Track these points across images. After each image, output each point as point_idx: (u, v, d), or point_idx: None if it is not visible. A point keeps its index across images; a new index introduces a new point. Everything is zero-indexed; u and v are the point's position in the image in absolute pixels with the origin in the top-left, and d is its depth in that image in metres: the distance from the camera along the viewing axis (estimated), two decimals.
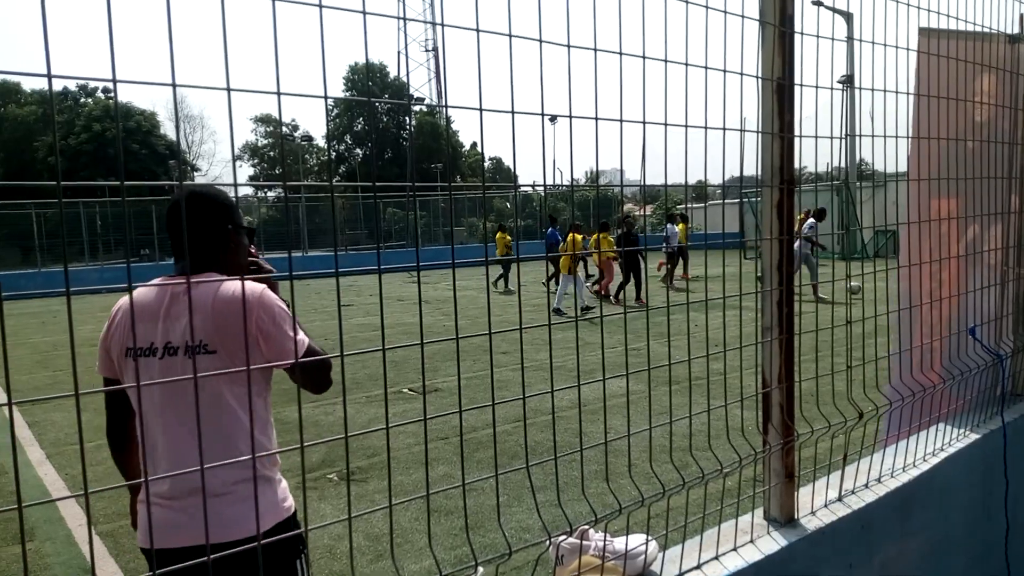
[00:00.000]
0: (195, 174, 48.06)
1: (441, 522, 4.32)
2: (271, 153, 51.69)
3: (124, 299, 1.84)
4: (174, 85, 0.98)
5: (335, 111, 50.05)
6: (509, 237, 18.98)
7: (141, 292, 1.89)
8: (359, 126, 51.47)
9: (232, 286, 1.81)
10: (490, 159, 58.03)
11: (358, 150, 52.22)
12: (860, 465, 2.06)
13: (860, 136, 2.11)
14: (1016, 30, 2.80)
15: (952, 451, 2.25)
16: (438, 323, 12.37)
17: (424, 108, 50.56)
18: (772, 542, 1.71)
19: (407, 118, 51.33)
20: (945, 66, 2.46)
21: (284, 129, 51.70)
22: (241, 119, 49.59)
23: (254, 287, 1.85)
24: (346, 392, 1.12)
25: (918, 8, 2.17)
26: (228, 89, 1.03)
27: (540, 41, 1.32)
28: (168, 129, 42.40)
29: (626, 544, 1.51)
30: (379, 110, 50.61)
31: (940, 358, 2.43)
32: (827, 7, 2.01)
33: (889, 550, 2.01)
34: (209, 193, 1.99)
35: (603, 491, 4.25)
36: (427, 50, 60.47)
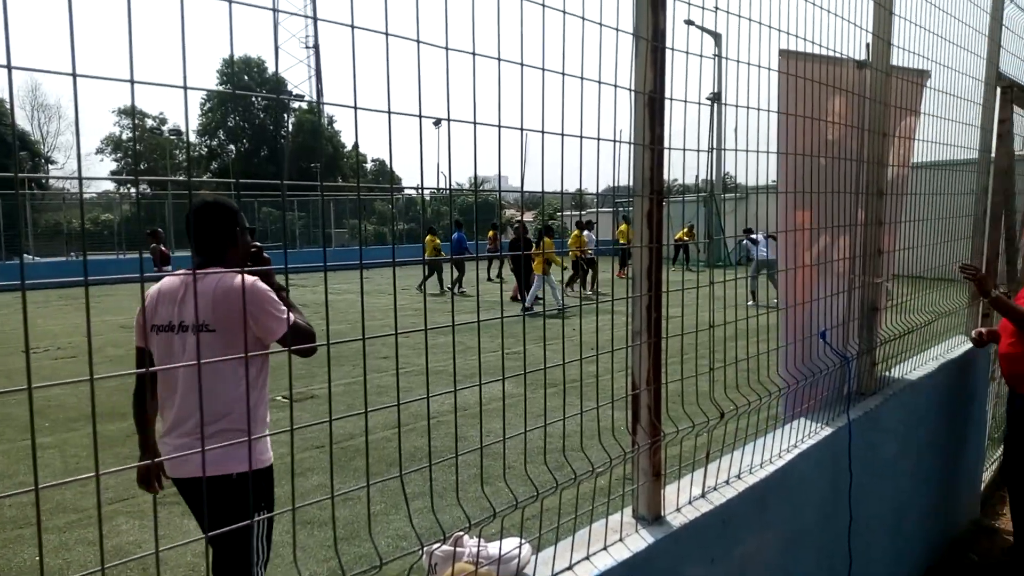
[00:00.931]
0: (50, 167, 44.42)
1: (315, 534, 4.20)
2: (139, 147, 48.63)
3: (155, 286, 2.52)
4: (9, 68, 0.89)
5: (207, 105, 47.69)
6: (439, 240, 18.79)
7: (167, 281, 2.50)
8: (233, 121, 49.29)
9: (230, 278, 2.33)
10: (373, 161, 57.02)
11: (232, 146, 49.96)
12: (722, 462, 2.17)
13: (724, 150, 2.22)
14: (863, 56, 3.03)
15: (805, 447, 2.40)
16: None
17: (303, 106, 49.04)
18: (640, 540, 1.76)
19: (285, 115, 49.66)
20: (803, 87, 2.63)
21: (150, 122, 48.73)
22: (103, 111, 46.37)
23: (247, 279, 2.36)
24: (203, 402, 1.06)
25: (779, 31, 2.30)
26: (74, 75, 0.95)
27: (417, 42, 1.30)
28: (20, 118, 38.95)
29: (500, 549, 1.51)
30: (256, 106, 48.68)
31: (794, 360, 2.60)
32: (697, 26, 2.11)
33: (748, 544, 2.13)
34: (220, 202, 2.55)
35: (481, 495, 4.26)
36: (307, 47, 58.76)
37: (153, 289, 2.52)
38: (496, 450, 5.09)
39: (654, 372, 1.86)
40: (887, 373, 3.26)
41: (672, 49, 1.86)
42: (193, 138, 48.42)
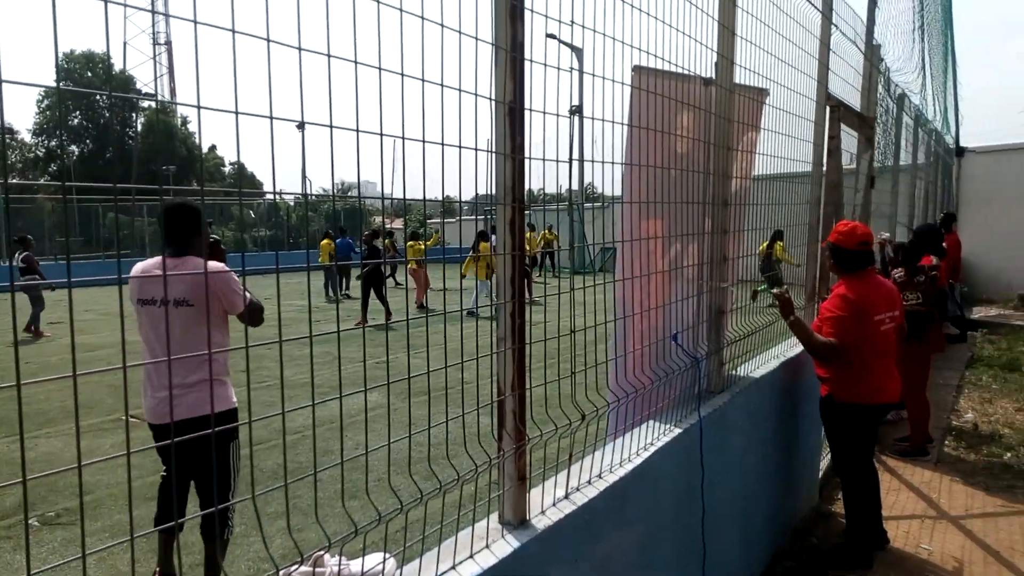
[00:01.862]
0: None
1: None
2: None
3: (136, 267, 3.37)
4: None
5: (44, 102, 43.80)
6: (334, 245, 18.13)
7: (148, 262, 3.38)
8: (75, 120, 45.52)
9: (201, 265, 3.11)
10: (231, 164, 54.33)
11: (74, 147, 46.08)
12: (584, 463, 2.22)
13: (582, 161, 2.29)
14: (710, 75, 3.21)
15: (660, 445, 2.51)
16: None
17: (154, 105, 45.99)
18: (506, 545, 1.78)
19: (134, 114, 46.47)
20: (654, 101, 2.76)
21: None
22: None
23: (217, 266, 3.26)
24: (52, 423, 0.96)
25: (633, 47, 2.40)
26: None
27: (268, 40, 1.26)
28: None
29: (362, 566, 1.47)
30: (100, 104, 45.22)
31: (649, 362, 2.71)
32: (559, 40, 2.17)
33: (610, 541, 2.19)
34: (186, 204, 3.39)
35: (351, 509, 4.14)
36: (158, 43, 55.37)
37: (136, 269, 3.37)
38: (362, 463, 4.97)
39: (519, 377, 1.89)
40: (733, 372, 3.47)
41: (531, 60, 1.89)
42: (28, 138, 44.38)
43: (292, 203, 39.36)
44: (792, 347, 4.23)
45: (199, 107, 1.16)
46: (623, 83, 2.45)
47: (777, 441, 3.86)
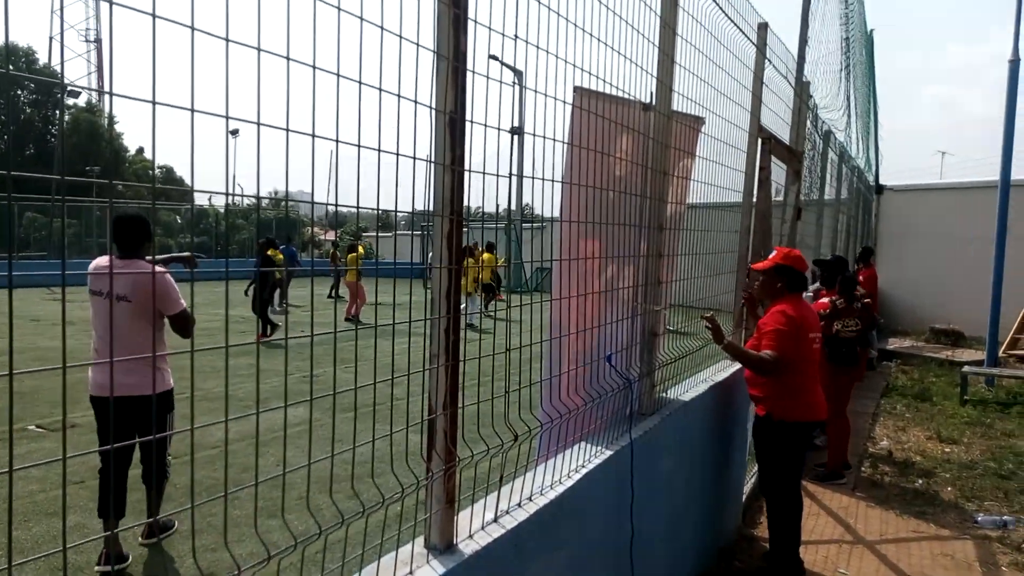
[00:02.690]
0: None
1: None
2: None
3: (92, 264, 3.89)
4: None
5: None
6: (279, 254, 17.35)
7: (101, 259, 4.01)
8: None
9: (145, 268, 3.70)
10: (160, 168, 52.43)
11: None
12: (514, 485, 2.17)
13: (521, 177, 2.27)
14: (649, 100, 3.25)
15: (591, 467, 2.48)
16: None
17: (79, 103, 44.11)
18: (431, 571, 1.71)
19: (56, 111, 44.44)
20: (594, 123, 2.76)
21: None
22: None
23: (159, 270, 3.78)
24: None
25: (574, 67, 2.39)
26: None
27: (192, 29, 1.18)
28: None
29: None
30: (21, 100, 43.15)
31: (583, 383, 2.69)
32: (501, 62, 2.15)
33: (539, 566, 2.14)
34: (136, 215, 3.93)
35: (269, 528, 3.97)
36: (88, 40, 53.35)
37: (91, 265, 3.87)
38: (286, 481, 4.78)
39: (451, 395, 1.83)
40: (664, 395, 3.49)
41: (474, 72, 1.86)
42: None
43: (221, 209, 38.23)
44: (720, 371, 4.29)
45: (111, 94, 1.08)
46: (565, 101, 2.44)
47: (705, 464, 3.89)
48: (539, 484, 2.26)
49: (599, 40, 2.57)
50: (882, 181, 16.33)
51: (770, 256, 4.05)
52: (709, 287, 4.18)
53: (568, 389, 2.62)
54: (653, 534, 3.10)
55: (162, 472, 3.98)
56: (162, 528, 4.33)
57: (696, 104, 3.65)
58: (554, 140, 2.39)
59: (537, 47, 2.11)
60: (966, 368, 8.73)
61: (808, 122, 6.84)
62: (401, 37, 1.53)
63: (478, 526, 1.95)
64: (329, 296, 20.47)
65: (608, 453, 2.63)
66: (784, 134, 5.94)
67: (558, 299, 2.70)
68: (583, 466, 2.47)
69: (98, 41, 53.16)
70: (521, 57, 2.06)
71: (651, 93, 3.26)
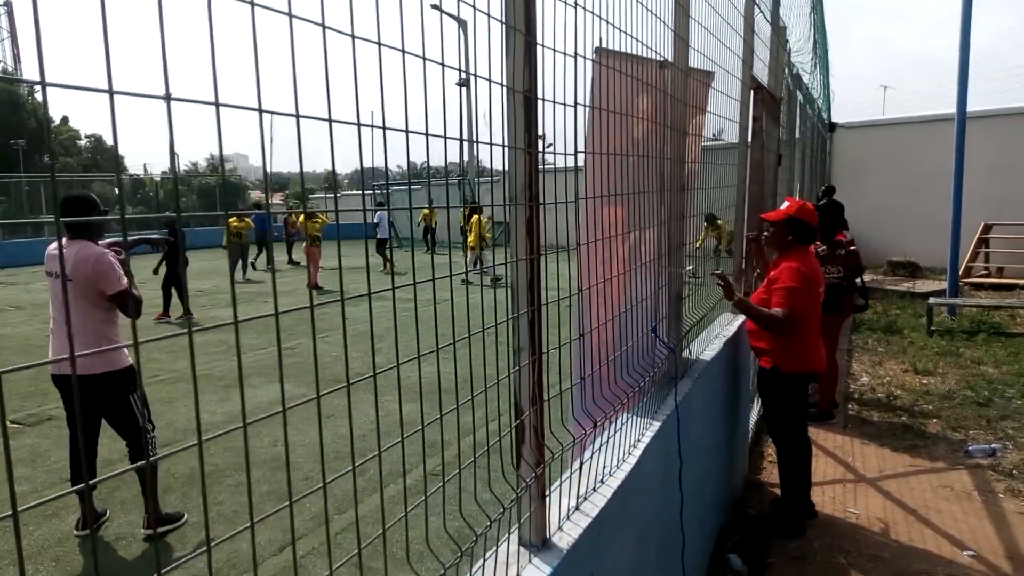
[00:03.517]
0: None
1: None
2: None
3: (50, 247, 4.06)
4: None
5: None
6: (241, 222, 16.57)
7: (54, 244, 3.83)
8: None
9: (90, 248, 3.70)
10: (88, 137, 49.83)
11: None
12: (584, 467, 2.14)
13: (542, 152, 2.15)
14: (663, 57, 3.14)
15: (647, 440, 2.47)
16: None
17: None
18: (536, 571, 1.66)
19: None
20: (616, 85, 2.65)
21: None
22: None
23: (100, 251, 3.71)
24: None
25: (596, 16, 2.25)
26: None
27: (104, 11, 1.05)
28: None
29: None
30: None
31: (621, 370, 2.63)
32: (443, 11, 1.94)
33: (614, 548, 2.12)
34: (83, 196, 3.89)
35: (281, 516, 3.89)
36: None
37: (49, 247, 4.04)
38: (290, 461, 4.68)
39: (538, 391, 1.76)
40: (688, 355, 3.49)
41: (543, 46, 1.74)
42: None
43: (159, 178, 36.78)
44: (727, 325, 4.32)
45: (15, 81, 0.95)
46: (585, 57, 2.30)
47: (722, 419, 3.94)
48: (603, 464, 2.22)
49: None
50: (832, 118, 16.57)
51: (782, 207, 4.04)
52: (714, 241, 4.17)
53: (609, 380, 2.52)
54: (691, 498, 3.12)
55: (144, 450, 3.91)
56: (168, 520, 4.15)
57: (705, 57, 3.56)
58: (565, 104, 2.29)
59: None
60: (932, 300, 9.03)
61: (784, 68, 6.81)
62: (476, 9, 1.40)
63: (564, 516, 1.91)
64: (289, 263, 19.99)
65: (657, 424, 2.62)
66: (764, 80, 5.90)
67: (588, 287, 2.56)
68: (639, 441, 2.45)
69: (7, 4, 49.85)
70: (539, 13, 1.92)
71: (664, 49, 3.16)
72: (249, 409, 6.15)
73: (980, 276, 12.49)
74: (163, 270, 11.15)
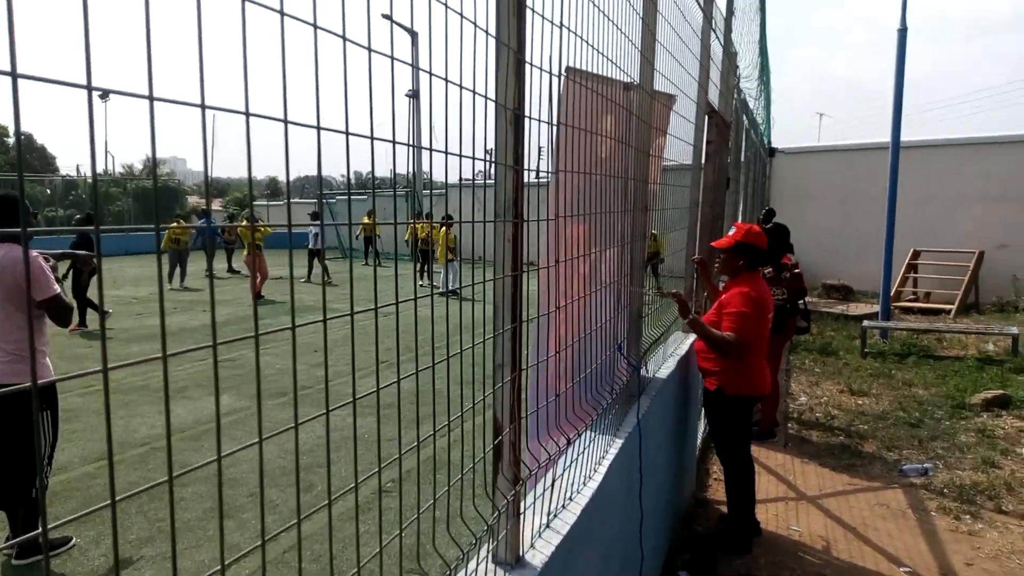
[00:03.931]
0: None
1: None
2: None
3: None
4: None
5: None
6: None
7: None
8: None
9: (16, 252, 3.48)
10: (13, 135, 47.33)
11: None
12: (554, 485, 2.13)
13: (520, 170, 2.15)
14: (629, 80, 3.19)
15: (610, 458, 2.48)
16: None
17: None
18: None
19: None
20: (584, 104, 2.67)
21: None
22: None
23: (31, 254, 3.45)
24: None
25: (571, 32, 2.27)
26: None
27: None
28: None
29: None
30: None
31: (586, 391, 2.65)
32: (395, 22, 1.91)
33: (581, 565, 2.13)
34: (11, 195, 3.58)
35: (226, 531, 3.74)
36: None
37: None
38: (236, 478, 4.55)
39: (518, 408, 1.75)
40: (645, 374, 3.53)
41: (531, 64, 1.75)
42: None
43: (89, 180, 35.40)
44: (681, 344, 4.39)
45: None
46: (558, 74, 2.31)
47: (674, 436, 3.99)
48: (571, 481, 2.22)
49: (599, 10, 2.47)
50: (772, 143, 17.12)
51: (729, 233, 4.13)
52: (673, 262, 4.25)
53: (571, 399, 2.50)
54: (648, 515, 3.15)
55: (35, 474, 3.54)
56: (50, 547, 3.80)
57: (667, 80, 3.64)
58: (539, 121, 2.31)
59: (537, 14, 1.97)
60: (865, 323, 9.38)
61: (734, 93, 7.01)
62: (466, 20, 1.40)
63: (535, 533, 1.91)
64: (229, 271, 19.46)
65: (620, 442, 2.64)
66: (716, 104, 6.06)
67: (556, 308, 2.56)
68: (603, 457, 2.47)
69: None
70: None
71: (629, 70, 3.21)
72: (189, 422, 5.95)
73: (909, 300, 13.05)
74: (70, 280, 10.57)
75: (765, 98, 12.93)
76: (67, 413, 6.18)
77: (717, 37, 5.29)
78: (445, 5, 1.39)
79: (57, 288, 3.52)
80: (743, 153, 8.90)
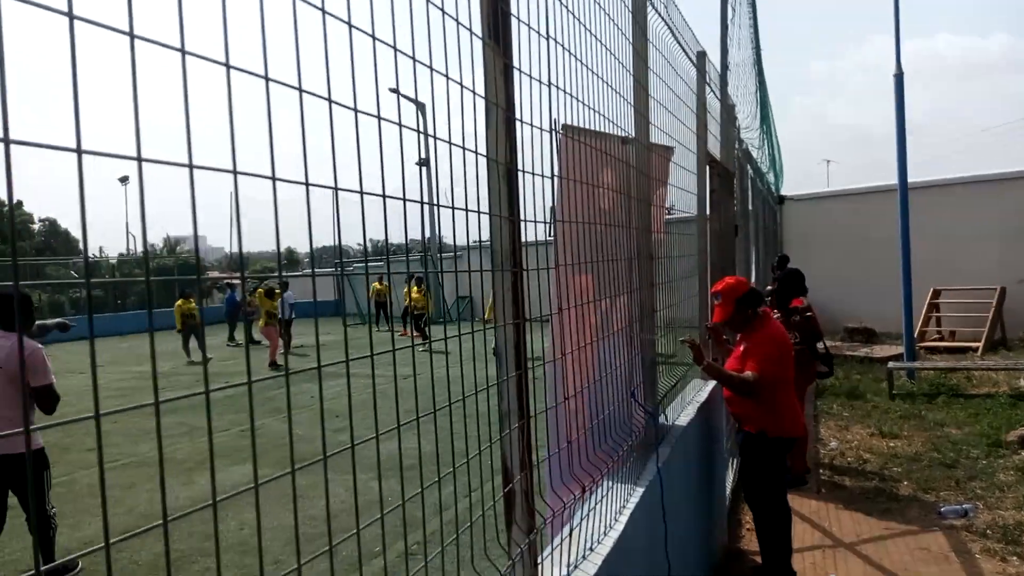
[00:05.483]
0: None
1: None
2: None
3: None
4: None
5: None
6: (192, 304, 16.36)
7: None
8: None
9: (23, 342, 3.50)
10: (42, 221, 49.28)
11: None
12: (572, 534, 2.11)
13: (517, 220, 2.20)
14: (625, 133, 3.28)
15: (631, 507, 2.45)
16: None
17: None
18: None
19: None
20: (581, 159, 2.75)
21: None
22: None
23: (34, 345, 4.24)
24: None
25: (564, 92, 2.34)
26: None
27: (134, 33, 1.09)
28: None
29: None
30: None
31: (599, 437, 2.63)
32: (402, 95, 1.94)
33: None
34: (21, 294, 3.80)
35: None
36: None
37: None
38: (258, 546, 4.51)
39: (527, 455, 1.76)
40: (664, 421, 3.50)
41: (520, 120, 1.82)
42: None
43: (115, 261, 36.43)
44: (699, 391, 4.36)
45: None
46: (551, 130, 2.38)
47: (699, 484, 3.93)
48: (589, 530, 2.20)
49: (587, 68, 2.55)
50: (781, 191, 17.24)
51: (717, 303, 4.12)
52: (682, 310, 4.26)
53: (586, 448, 2.50)
54: (675, 566, 3.08)
55: (46, 522, 4.29)
56: (64, 569, 4.42)
57: (663, 133, 3.72)
58: (542, 176, 2.37)
59: (530, 77, 2.04)
60: (891, 364, 9.23)
61: (735, 143, 7.14)
62: (458, 81, 1.47)
63: None
64: (232, 343, 19.60)
65: (640, 490, 2.61)
66: (717, 155, 6.16)
67: (563, 354, 2.57)
68: (624, 507, 2.44)
69: None
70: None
71: (623, 125, 3.30)
72: (210, 492, 5.93)
73: (934, 340, 12.85)
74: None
75: (769, 146, 13.10)
76: (92, 488, 6.20)
77: (713, 91, 5.42)
78: (446, 76, 1.47)
79: (53, 379, 4.17)
80: (750, 202, 8.97)
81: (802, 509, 5.32)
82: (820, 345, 5.99)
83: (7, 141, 0.71)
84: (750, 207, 9.37)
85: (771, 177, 13.65)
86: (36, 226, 48.93)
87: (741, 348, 3.99)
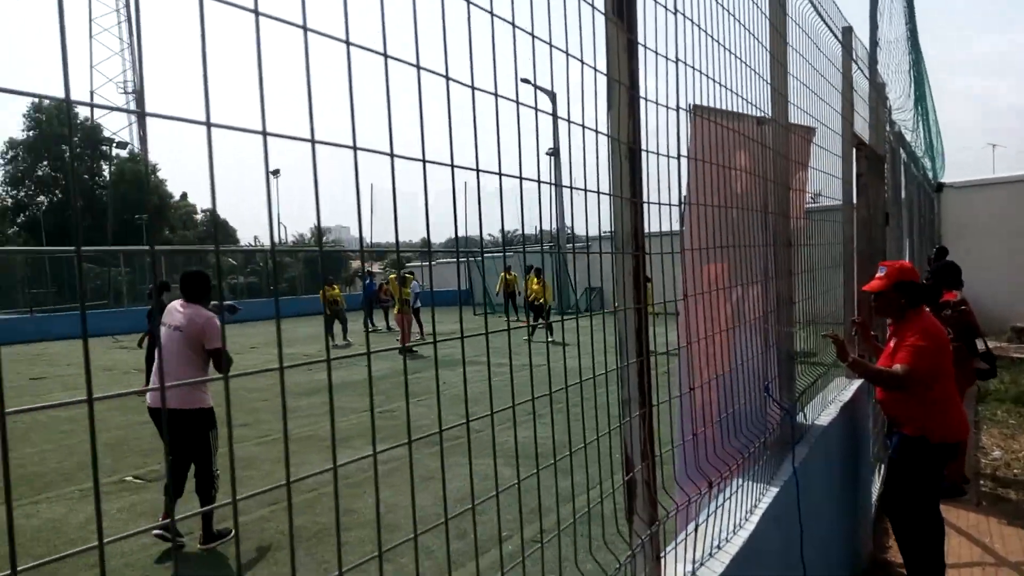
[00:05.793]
0: None
1: None
2: None
3: (169, 306, 5.07)
4: None
5: (10, 154, 43.37)
6: (334, 290, 17.84)
7: (175, 303, 5.00)
8: (43, 171, 44.69)
9: (202, 312, 4.89)
10: (204, 211, 53.71)
11: (43, 197, 45.14)
12: (699, 531, 2.02)
13: (640, 202, 2.12)
14: (761, 114, 3.11)
15: (763, 507, 2.32)
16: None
17: (123, 154, 45.25)
18: None
19: (103, 163, 45.81)
20: (714, 140, 2.61)
21: None
22: None
23: (209, 314, 4.87)
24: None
25: (696, 70, 2.23)
26: None
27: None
28: None
29: None
30: (68, 154, 44.57)
31: (728, 433, 2.50)
32: (535, 85, 1.87)
33: None
34: (201, 272, 5.20)
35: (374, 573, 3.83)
36: (126, 92, 55.12)
37: (169, 306, 5.04)
38: (391, 523, 4.67)
39: (649, 443, 1.69)
40: (803, 420, 3.30)
41: (646, 99, 1.75)
42: None
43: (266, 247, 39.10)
44: (844, 389, 4.08)
45: (141, 111, 0.98)
46: (684, 108, 2.27)
47: (844, 488, 3.68)
48: (718, 528, 2.10)
49: (719, 43, 2.42)
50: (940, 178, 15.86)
51: (879, 275, 3.82)
52: (824, 303, 3.99)
53: (716, 441, 2.41)
54: (812, 570, 2.90)
55: (209, 480, 4.84)
56: (217, 535, 4.90)
57: (804, 113, 3.50)
58: (667, 156, 2.27)
59: (656, 53, 1.94)
60: None
61: (886, 125, 6.62)
62: (582, 63, 1.42)
63: None
64: (388, 329, 20.50)
65: (774, 490, 2.47)
66: (865, 137, 5.74)
67: (689, 343, 2.47)
68: (755, 506, 2.31)
69: (136, 92, 54.83)
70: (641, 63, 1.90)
71: (761, 106, 3.13)
72: (352, 470, 6.23)
73: None
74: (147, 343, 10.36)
75: (925, 129, 12.09)
76: (243, 461, 6.67)
77: (860, 68, 5.05)
78: (566, 53, 1.43)
79: (224, 344, 4.59)
80: (903, 188, 8.31)
81: (958, 522, 4.88)
82: (979, 342, 5.45)
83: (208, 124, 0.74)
84: (903, 194, 8.68)
85: (927, 162, 12.58)
86: (199, 216, 53.37)
87: (891, 344, 3.70)
